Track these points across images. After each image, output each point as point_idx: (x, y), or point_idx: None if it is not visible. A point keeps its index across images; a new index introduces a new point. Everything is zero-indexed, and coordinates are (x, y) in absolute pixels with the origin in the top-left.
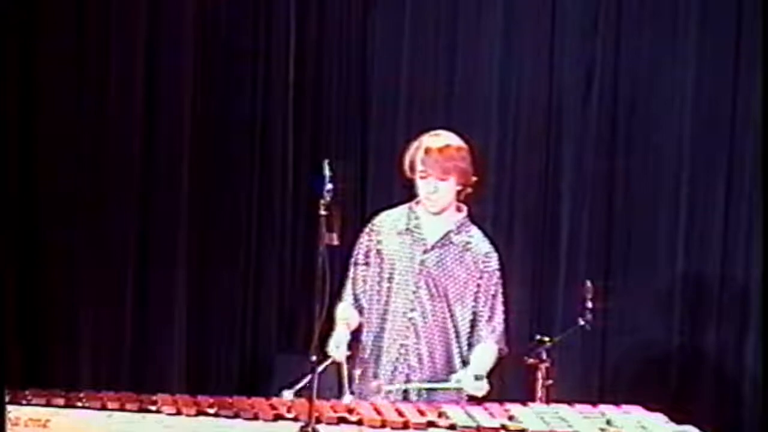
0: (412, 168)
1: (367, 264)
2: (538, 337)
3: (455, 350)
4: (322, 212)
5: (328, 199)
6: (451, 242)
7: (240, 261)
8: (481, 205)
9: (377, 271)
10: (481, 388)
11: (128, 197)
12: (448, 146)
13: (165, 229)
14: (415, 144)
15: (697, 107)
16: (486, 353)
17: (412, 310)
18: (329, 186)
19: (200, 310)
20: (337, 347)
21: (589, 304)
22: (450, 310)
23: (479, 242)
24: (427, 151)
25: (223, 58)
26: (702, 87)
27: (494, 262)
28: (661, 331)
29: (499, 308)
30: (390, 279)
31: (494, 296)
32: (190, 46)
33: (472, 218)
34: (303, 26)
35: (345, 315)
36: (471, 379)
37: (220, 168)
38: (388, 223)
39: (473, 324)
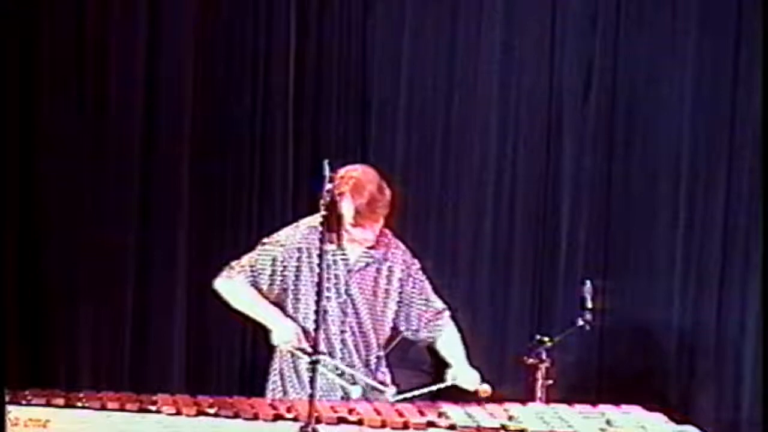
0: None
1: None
2: (538, 337)
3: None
4: (322, 212)
5: (328, 199)
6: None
7: None
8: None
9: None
10: (476, 380)
11: (128, 198)
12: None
13: (165, 229)
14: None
15: (697, 107)
16: (458, 342)
17: (343, 331)
18: (329, 186)
19: (200, 310)
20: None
21: (589, 304)
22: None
23: (393, 249)
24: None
25: (224, 59)
26: (702, 87)
27: (415, 265)
28: (661, 331)
29: (433, 295)
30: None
31: (427, 291)
32: (190, 47)
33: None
34: (303, 27)
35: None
36: (468, 375)
37: (220, 168)
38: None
39: (419, 322)
